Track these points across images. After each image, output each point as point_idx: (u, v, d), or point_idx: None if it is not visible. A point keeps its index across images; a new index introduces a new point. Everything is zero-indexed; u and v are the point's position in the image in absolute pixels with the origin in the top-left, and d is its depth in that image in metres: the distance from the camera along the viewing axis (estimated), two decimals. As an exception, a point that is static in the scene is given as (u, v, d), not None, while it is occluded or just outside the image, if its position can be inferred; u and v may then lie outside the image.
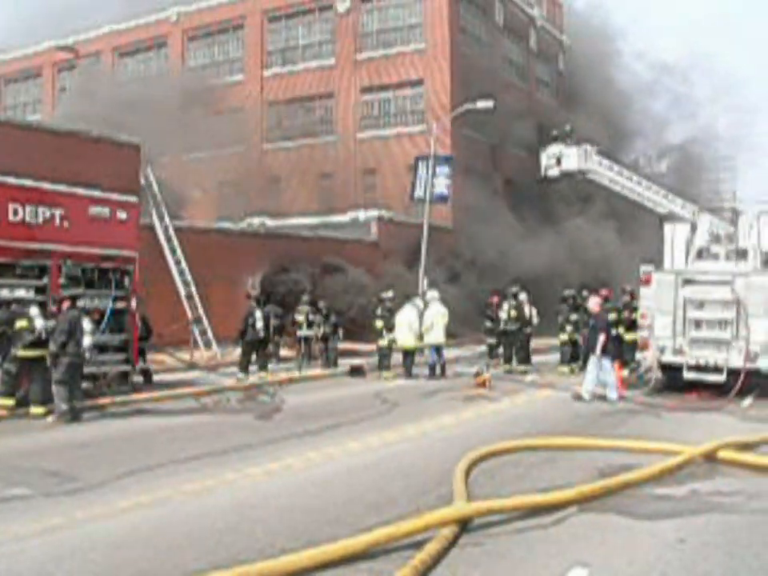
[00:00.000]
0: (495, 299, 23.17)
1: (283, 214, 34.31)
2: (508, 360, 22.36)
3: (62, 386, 13.44)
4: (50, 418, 13.43)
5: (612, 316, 20.24)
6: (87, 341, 13.88)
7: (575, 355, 21.29)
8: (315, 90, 42.42)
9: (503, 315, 22.29)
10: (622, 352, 20.80)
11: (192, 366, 21.52)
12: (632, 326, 20.06)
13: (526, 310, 22.14)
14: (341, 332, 22.68)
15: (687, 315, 17.47)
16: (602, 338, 16.61)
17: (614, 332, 21.13)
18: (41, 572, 6.36)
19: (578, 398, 16.37)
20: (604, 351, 16.65)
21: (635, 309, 19.74)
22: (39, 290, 14.82)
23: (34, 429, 12.90)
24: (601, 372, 16.59)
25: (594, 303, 17.55)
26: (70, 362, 13.52)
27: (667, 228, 19.77)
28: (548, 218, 39.64)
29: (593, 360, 16.65)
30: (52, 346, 13.52)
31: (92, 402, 14.73)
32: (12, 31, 49.94)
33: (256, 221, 32.33)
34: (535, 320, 22.78)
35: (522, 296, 22.59)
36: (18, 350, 13.77)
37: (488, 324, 23.47)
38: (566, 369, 21.43)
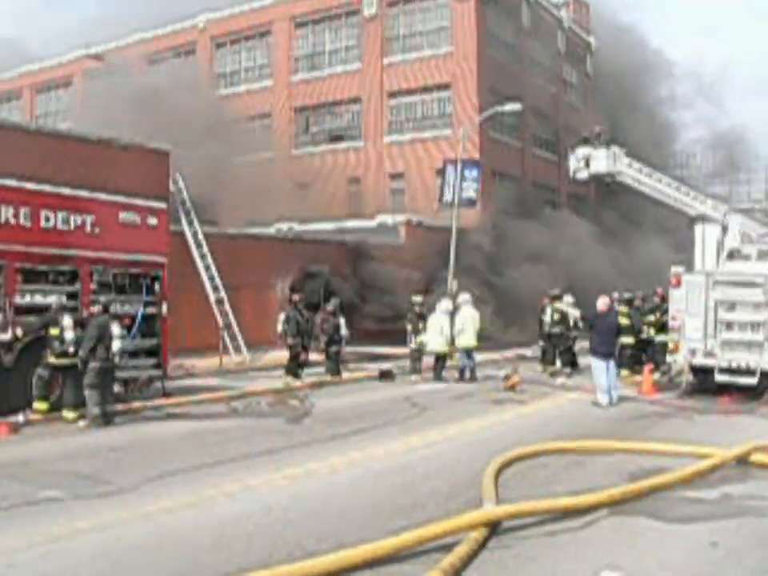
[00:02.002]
0: (544, 302, 22.92)
1: (311, 218, 34.43)
2: (551, 362, 22.22)
3: (93, 391, 13.60)
4: (81, 423, 13.57)
5: (650, 318, 20.21)
6: (116, 345, 13.98)
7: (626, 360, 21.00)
8: (342, 95, 42.51)
9: (546, 318, 22.18)
10: (653, 354, 20.71)
11: (222, 370, 21.63)
12: (662, 328, 19.90)
13: (570, 312, 21.82)
14: (343, 332, 20.92)
15: (718, 317, 17.29)
16: (594, 338, 16.61)
17: (644, 335, 21.11)
18: (73, 573, 6.43)
19: (596, 404, 16.22)
20: (595, 353, 16.57)
21: (665, 311, 19.57)
22: (71, 296, 14.96)
23: (67, 432, 13.04)
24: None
25: (601, 303, 17.22)
26: (99, 367, 13.69)
27: (698, 229, 19.63)
28: (604, 227, 39.65)
29: (598, 363, 16.53)
30: (81, 352, 13.71)
31: (123, 406, 14.86)
32: (42, 41, 50.68)
33: (284, 226, 32.46)
34: (579, 323, 22.44)
35: (567, 299, 22.35)
36: (49, 357, 13.96)
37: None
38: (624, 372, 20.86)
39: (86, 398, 13.69)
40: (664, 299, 20.24)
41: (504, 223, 34.90)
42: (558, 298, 22.27)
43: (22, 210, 14.27)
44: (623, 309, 21.21)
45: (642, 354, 21.19)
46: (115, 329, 14.06)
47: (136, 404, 15.35)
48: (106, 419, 13.62)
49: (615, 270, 34.42)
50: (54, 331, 13.88)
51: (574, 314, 20.69)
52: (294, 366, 19.92)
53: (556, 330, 21.92)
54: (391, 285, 29.12)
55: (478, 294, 25.81)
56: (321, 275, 28.56)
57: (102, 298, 14.80)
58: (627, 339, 20.48)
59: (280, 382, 19.28)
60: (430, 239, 32.36)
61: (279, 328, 20.38)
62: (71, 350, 13.84)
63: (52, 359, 13.92)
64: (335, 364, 20.66)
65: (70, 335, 13.87)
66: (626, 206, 40.09)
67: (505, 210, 35.90)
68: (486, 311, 27.84)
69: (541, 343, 23.05)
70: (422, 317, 21.37)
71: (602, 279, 29.19)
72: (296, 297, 20.94)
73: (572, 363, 22.16)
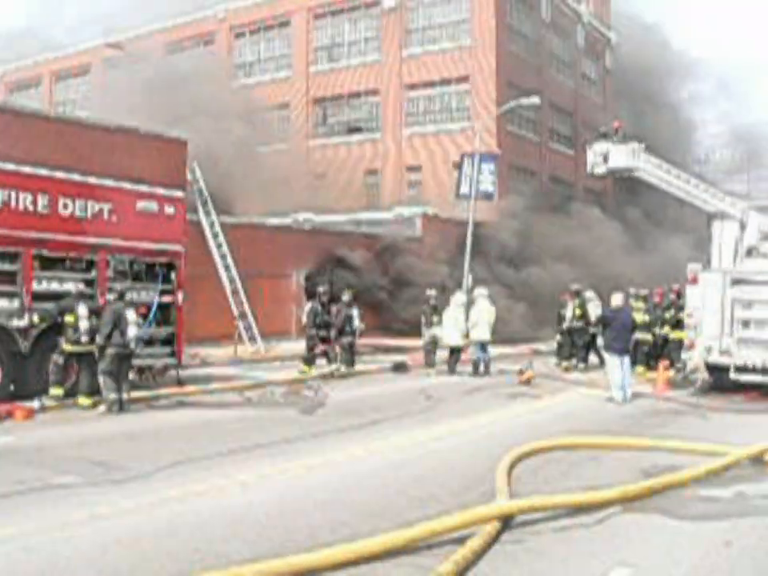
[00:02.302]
0: (565, 296, 22.84)
1: (328, 210, 34.46)
2: (567, 357, 22.19)
3: (108, 377, 13.72)
4: (100, 407, 13.68)
5: (666, 315, 20.19)
6: (132, 332, 14.06)
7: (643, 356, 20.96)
8: (360, 87, 42.50)
9: (568, 313, 22.12)
10: (669, 352, 20.63)
11: (236, 360, 21.71)
12: (678, 325, 19.82)
13: (591, 308, 21.73)
14: (356, 324, 20.55)
15: (735, 315, 17.19)
16: (609, 334, 16.58)
17: (659, 331, 21.03)
18: (86, 559, 6.46)
19: (610, 400, 16.18)
20: (610, 349, 16.56)
21: (681, 308, 19.47)
22: (87, 284, 15.01)
23: (82, 419, 13.13)
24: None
25: (616, 299, 17.17)
26: (115, 353, 13.81)
27: (715, 226, 19.48)
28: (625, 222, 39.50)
29: (613, 360, 16.49)
30: (98, 338, 13.85)
31: (138, 394, 14.93)
32: (63, 29, 50.80)
33: (301, 217, 32.49)
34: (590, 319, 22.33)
35: (588, 294, 22.27)
36: (64, 344, 14.05)
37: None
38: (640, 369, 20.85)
39: (102, 384, 13.80)
40: (680, 296, 20.15)
41: (523, 217, 34.80)
42: (579, 293, 22.24)
43: (40, 198, 14.36)
44: (639, 305, 21.16)
45: (658, 350, 21.10)
46: (130, 315, 14.15)
47: (151, 392, 15.42)
48: (122, 406, 13.72)
49: (635, 267, 34.26)
50: (69, 318, 13.97)
51: (596, 310, 20.63)
52: (309, 357, 19.99)
53: (577, 324, 21.86)
54: (412, 277, 29.15)
55: (498, 288, 25.80)
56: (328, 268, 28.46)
57: (118, 286, 14.88)
58: (643, 335, 20.43)
59: (295, 372, 19.36)
60: (447, 232, 32.34)
61: (304, 319, 20.65)
62: (84, 339, 13.94)
63: (67, 346, 14.01)
64: (349, 355, 20.66)
65: (84, 324, 13.95)
66: (645, 203, 39.91)
67: (524, 203, 35.80)
68: (515, 309, 27.85)
69: (558, 337, 22.92)
70: (436, 310, 21.37)
71: (623, 276, 29.04)
72: (320, 289, 20.93)
73: (585, 359, 22.13)
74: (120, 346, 13.87)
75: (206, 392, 16.28)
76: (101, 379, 13.84)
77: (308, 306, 20.87)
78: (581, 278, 25.42)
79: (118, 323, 13.85)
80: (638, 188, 30.15)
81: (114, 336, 13.79)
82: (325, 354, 20.41)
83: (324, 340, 20.26)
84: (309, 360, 19.98)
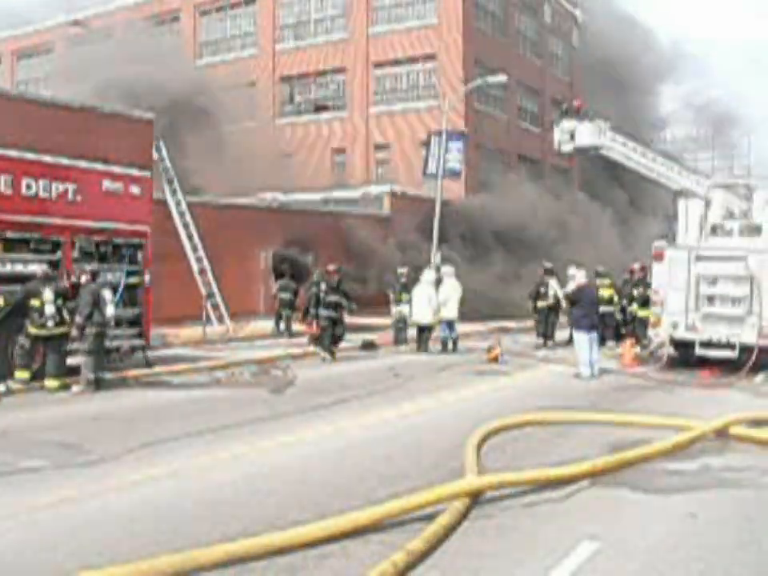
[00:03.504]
0: (540, 273, 22.81)
1: (295, 189, 34.28)
2: (539, 335, 22.37)
3: (90, 357, 13.89)
4: (75, 388, 13.72)
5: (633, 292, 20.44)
6: (110, 310, 14.27)
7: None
8: (327, 65, 42.25)
9: (550, 291, 21.91)
10: (635, 328, 20.85)
11: (204, 340, 21.59)
12: (645, 302, 20.01)
13: (556, 288, 21.69)
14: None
15: (700, 291, 17.38)
16: (577, 312, 16.73)
17: (628, 307, 21.24)
18: (54, 543, 6.42)
19: (578, 376, 16.32)
20: (579, 326, 16.69)
21: (648, 285, 19.65)
22: (53, 265, 14.83)
23: (48, 402, 13.00)
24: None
25: (579, 276, 17.34)
26: (97, 332, 13.98)
27: (681, 204, 19.66)
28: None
29: (581, 336, 16.62)
30: (78, 319, 13.87)
31: (106, 376, 14.81)
32: (24, 6, 49.95)
33: (268, 196, 32.29)
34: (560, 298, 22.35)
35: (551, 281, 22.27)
36: (29, 327, 13.91)
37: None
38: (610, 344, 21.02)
39: (83, 363, 13.93)
40: (646, 273, 20.33)
41: (488, 194, 34.88)
42: (551, 271, 22.29)
43: (3, 178, 14.12)
44: (605, 281, 21.36)
45: (627, 326, 21.35)
46: (107, 294, 14.27)
47: (119, 374, 15.31)
48: (98, 385, 13.85)
49: (607, 243, 34.56)
50: (35, 302, 13.82)
51: (559, 290, 20.75)
52: (328, 344, 19.15)
53: (552, 302, 21.82)
54: (375, 256, 29.09)
55: (461, 264, 25.84)
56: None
57: (89, 267, 14.75)
58: (610, 308, 20.72)
59: (267, 352, 19.26)
60: (414, 210, 32.33)
61: (274, 290, 21.74)
62: (50, 323, 13.84)
63: (32, 329, 13.87)
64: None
65: (50, 308, 13.85)
66: (619, 183, 40.24)
67: (489, 181, 35.88)
68: (483, 286, 27.82)
69: (537, 316, 22.86)
70: (406, 288, 21.37)
71: (594, 252, 29.28)
72: (330, 267, 19.92)
73: (549, 336, 22.25)
74: (101, 325, 14.02)
75: (174, 373, 16.18)
76: (83, 359, 13.94)
77: (311, 290, 19.57)
78: (548, 257, 25.53)
79: (97, 303, 13.99)
80: (608, 167, 30.31)
81: (94, 315, 13.89)
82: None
83: (334, 322, 19.15)
84: (328, 347, 19.07)
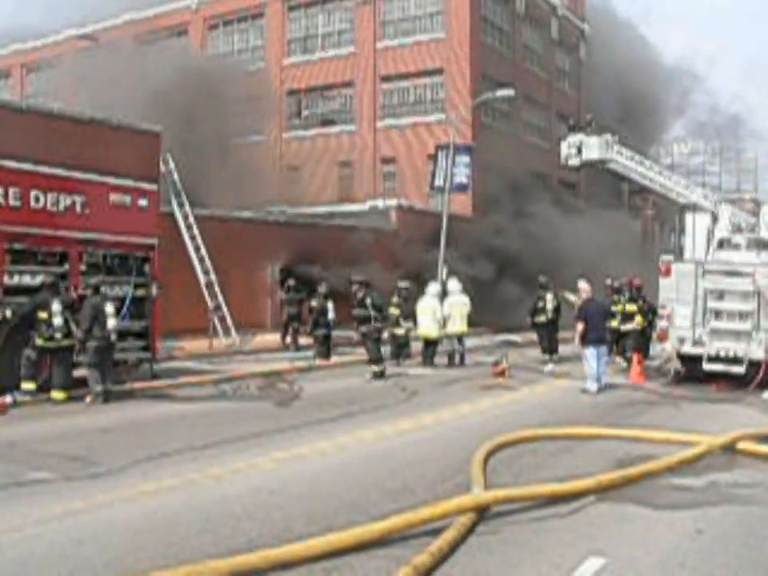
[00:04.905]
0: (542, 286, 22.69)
1: (302, 202, 34.29)
2: (545, 351, 22.20)
3: (93, 369, 13.95)
4: (87, 399, 13.83)
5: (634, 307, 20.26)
6: (111, 323, 14.25)
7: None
8: (335, 79, 42.35)
9: (549, 305, 21.66)
10: (642, 343, 20.73)
11: (211, 353, 21.62)
12: (632, 318, 19.85)
13: (548, 301, 21.56)
14: (330, 316, 21.13)
15: (707, 306, 17.35)
16: (579, 326, 16.53)
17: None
18: (61, 555, 6.42)
19: (585, 390, 16.27)
20: (584, 340, 16.52)
21: (644, 298, 19.58)
22: (60, 277, 14.86)
23: (55, 414, 13.03)
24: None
25: (584, 288, 17.22)
26: (97, 346, 13.99)
27: (688, 218, 19.68)
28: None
29: (589, 351, 16.50)
30: (79, 333, 13.93)
31: (113, 388, 14.82)
32: (33, 20, 50.21)
33: (276, 209, 32.35)
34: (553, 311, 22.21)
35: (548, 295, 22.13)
36: (37, 339, 13.97)
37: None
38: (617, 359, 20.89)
39: (87, 376, 14.02)
40: (639, 290, 20.15)
41: (498, 210, 34.82)
42: (546, 285, 22.09)
43: (11, 191, 14.19)
44: (616, 297, 21.20)
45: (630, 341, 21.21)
46: (109, 308, 14.29)
47: (125, 386, 15.33)
48: (107, 397, 13.90)
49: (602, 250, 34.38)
50: (42, 315, 13.88)
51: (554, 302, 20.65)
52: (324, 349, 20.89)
53: (552, 316, 21.66)
54: (381, 270, 29.04)
55: (468, 278, 25.75)
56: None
57: (92, 280, 14.78)
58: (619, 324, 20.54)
59: (273, 365, 19.29)
60: (421, 224, 32.33)
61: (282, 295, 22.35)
62: (58, 335, 13.90)
63: (40, 341, 13.93)
64: (324, 348, 20.65)
65: (58, 320, 13.92)
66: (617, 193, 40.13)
67: (497, 195, 35.80)
68: (489, 300, 27.72)
69: (538, 331, 22.69)
70: (406, 302, 21.25)
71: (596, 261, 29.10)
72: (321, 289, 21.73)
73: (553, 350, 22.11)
74: (101, 339, 14.03)
75: (180, 385, 16.20)
76: (86, 372, 14.03)
77: (317, 303, 21.22)
78: (556, 267, 25.42)
79: (98, 317, 14.00)
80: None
81: (94, 329, 13.93)
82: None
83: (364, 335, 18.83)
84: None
